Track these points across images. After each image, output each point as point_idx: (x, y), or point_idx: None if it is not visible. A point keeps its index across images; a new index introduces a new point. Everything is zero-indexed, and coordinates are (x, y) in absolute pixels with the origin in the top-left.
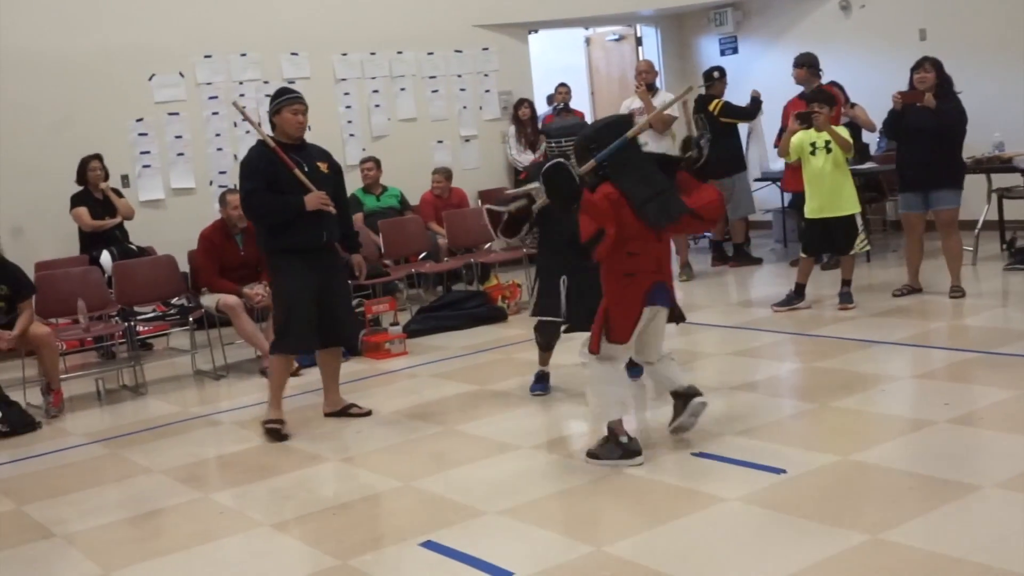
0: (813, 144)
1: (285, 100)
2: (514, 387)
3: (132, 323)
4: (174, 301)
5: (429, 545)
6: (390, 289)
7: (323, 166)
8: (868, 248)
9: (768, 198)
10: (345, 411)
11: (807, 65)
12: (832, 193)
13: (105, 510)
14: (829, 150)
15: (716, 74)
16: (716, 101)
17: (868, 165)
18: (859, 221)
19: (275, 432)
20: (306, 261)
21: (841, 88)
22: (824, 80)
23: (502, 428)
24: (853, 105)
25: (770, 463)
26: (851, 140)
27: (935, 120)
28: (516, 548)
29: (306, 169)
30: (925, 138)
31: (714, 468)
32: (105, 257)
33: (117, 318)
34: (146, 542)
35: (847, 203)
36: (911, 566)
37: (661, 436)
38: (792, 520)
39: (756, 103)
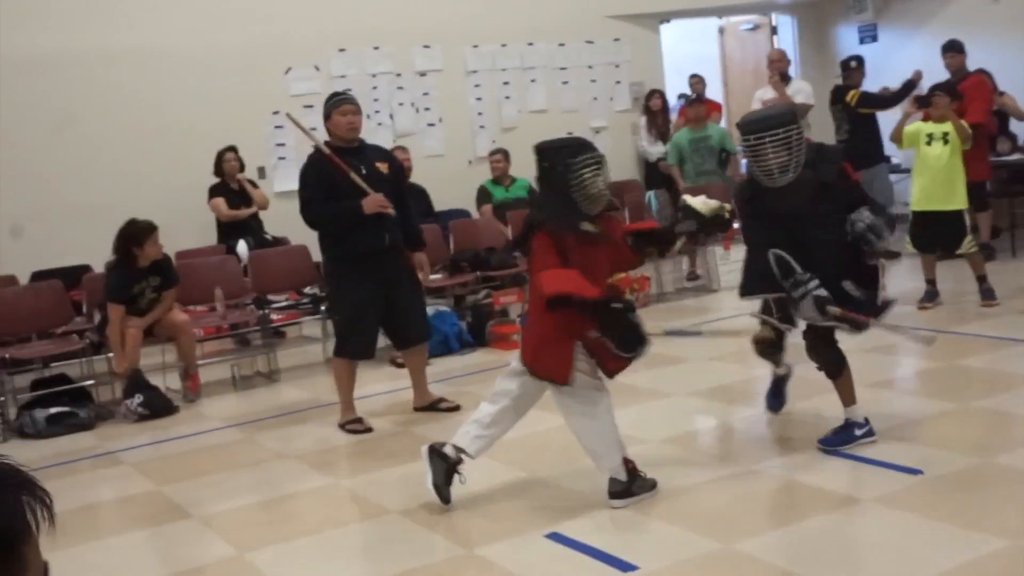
0: (930, 135)
1: (334, 103)
2: (641, 379)
3: (266, 311)
4: (307, 290)
5: (554, 536)
6: (518, 280)
7: (383, 167)
8: (975, 249)
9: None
10: (434, 406)
11: (962, 51)
12: (945, 186)
13: (239, 493)
14: (947, 141)
15: (853, 64)
16: (853, 92)
17: (1016, 156)
18: (967, 219)
19: (356, 429)
20: (368, 266)
21: (989, 76)
22: (971, 68)
23: (628, 421)
24: (1002, 94)
25: (907, 464)
26: (971, 131)
27: None
28: (641, 542)
29: (364, 172)
30: None
31: (848, 467)
32: (242, 246)
33: (252, 306)
34: (278, 525)
35: (958, 198)
36: None
37: (797, 434)
38: (928, 523)
39: (908, 86)
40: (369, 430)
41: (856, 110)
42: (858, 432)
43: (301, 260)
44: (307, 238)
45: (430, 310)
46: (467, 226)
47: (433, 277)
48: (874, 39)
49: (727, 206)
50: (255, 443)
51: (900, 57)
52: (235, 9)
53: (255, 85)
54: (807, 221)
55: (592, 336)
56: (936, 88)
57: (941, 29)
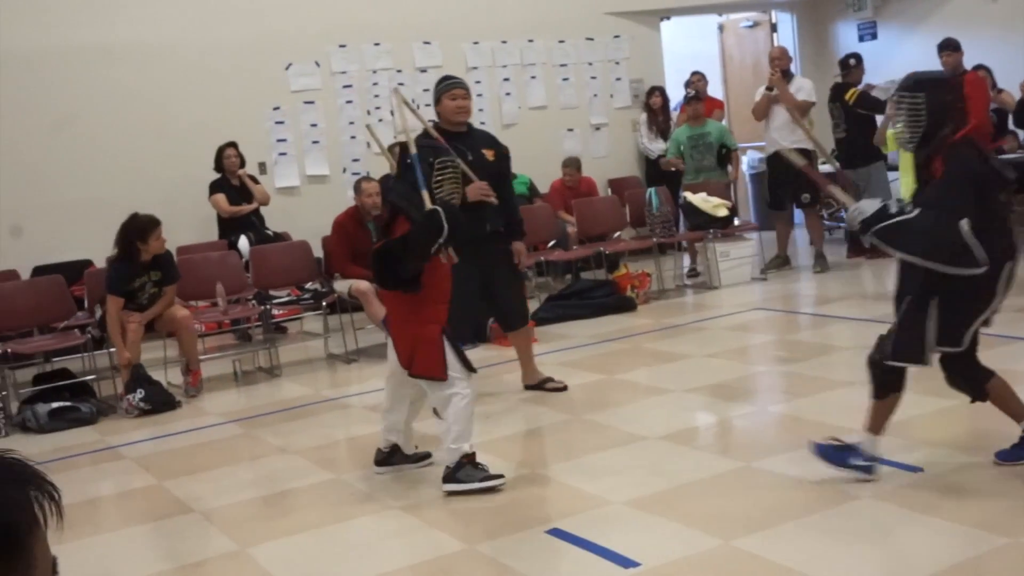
0: None
1: (445, 87)
2: (642, 377)
3: (268, 307)
4: (308, 286)
5: (556, 532)
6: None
7: (489, 153)
8: None
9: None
10: (542, 385)
11: (958, 50)
12: None
13: (240, 488)
14: None
15: (852, 61)
16: (852, 90)
17: (1019, 154)
18: None
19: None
20: (467, 253)
21: (989, 72)
22: (970, 66)
23: (630, 418)
24: (1000, 91)
25: (907, 461)
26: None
27: None
28: (642, 539)
29: (470, 157)
30: None
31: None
32: (243, 242)
33: (253, 301)
34: (279, 520)
35: None
36: None
37: (796, 431)
38: (928, 520)
39: None
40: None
41: (854, 108)
42: None
43: (302, 255)
44: (308, 233)
45: None
46: None
47: None
48: (873, 37)
49: (727, 203)
50: (256, 439)
51: (899, 55)
52: (235, 5)
53: (256, 81)
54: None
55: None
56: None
57: (939, 27)
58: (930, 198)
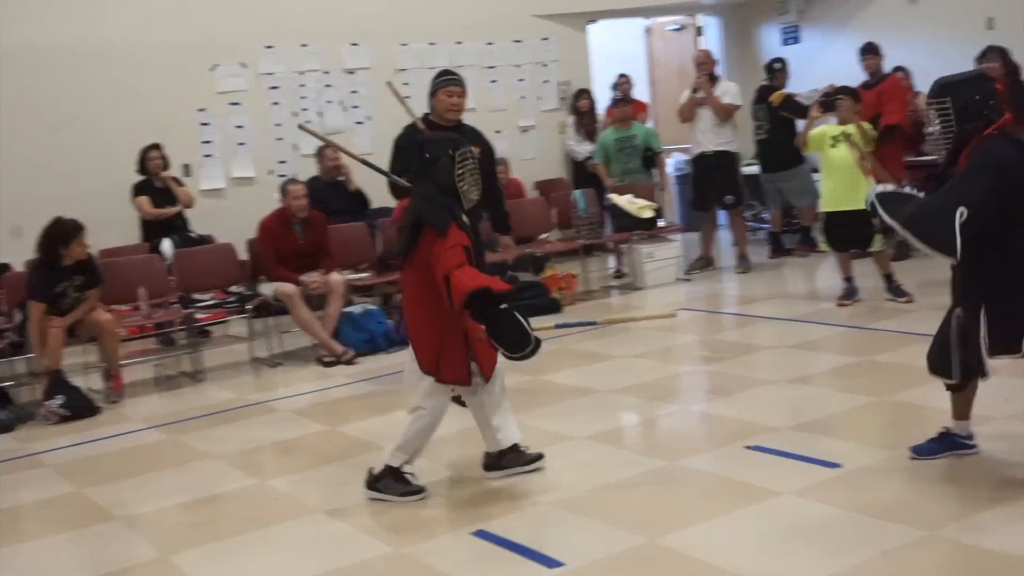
0: (834, 137)
1: (441, 82)
2: (569, 378)
3: (192, 310)
4: (233, 289)
5: (481, 534)
6: None
7: (476, 150)
8: (883, 248)
9: None
10: None
11: (879, 53)
12: (852, 186)
13: (163, 494)
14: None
15: (777, 65)
16: (778, 93)
17: (935, 156)
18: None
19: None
20: None
21: (908, 74)
22: (889, 67)
23: (556, 419)
24: (918, 94)
25: (826, 457)
26: (875, 134)
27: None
28: (568, 539)
29: None
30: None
31: (769, 462)
32: (166, 245)
33: (177, 305)
34: (203, 526)
35: (864, 197)
36: (969, 563)
37: (719, 429)
38: (848, 515)
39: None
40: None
41: (779, 111)
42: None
43: (227, 258)
44: (233, 236)
45: (357, 309)
46: (395, 225)
47: (361, 275)
48: (796, 40)
49: (653, 205)
50: (179, 444)
51: (822, 58)
52: (161, 5)
53: (181, 82)
54: None
55: (480, 336)
56: (840, 91)
57: (861, 31)
58: (951, 184)
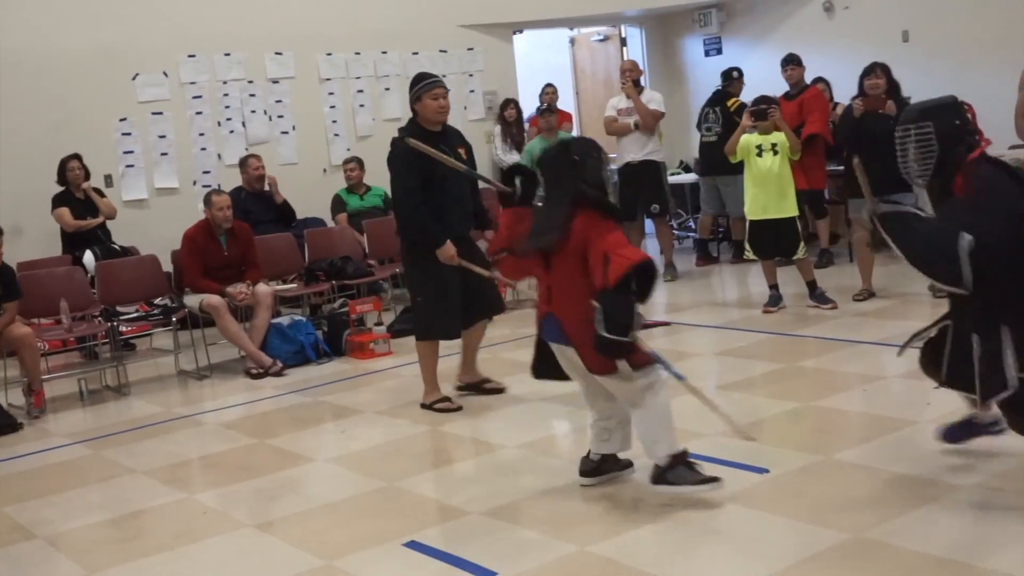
0: (759, 146)
1: (425, 86)
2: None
3: (115, 323)
4: (157, 301)
5: (413, 545)
6: (375, 289)
7: (462, 151)
8: (806, 255)
9: None
10: (480, 386)
11: (800, 64)
12: (777, 195)
13: (87, 511)
14: (776, 152)
15: (735, 74)
16: (735, 99)
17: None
18: (798, 225)
19: (447, 408)
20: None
21: (828, 85)
22: (809, 78)
23: (486, 428)
24: (836, 105)
25: (753, 463)
26: (799, 141)
27: (894, 126)
28: (499, 548)
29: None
30: (883, 144)
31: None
32: (88, 257)
33: (100, 318)
34: (129, 543)
35: (790, 205)
36: (894, 565)
37: None
38: (775, 519)
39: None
40: (458, 408)
41: (734, 115)
42: None
43: (151, 270)
44: (157, 247)
45: (285, 320)
46: (322, 235)
47: (288, 286)
48: (719, 52)
49: None
50: (104, 459)
51: (744, 69)
52: (80, 12)
53: (101, 91)
54: None
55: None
56: (764, 99)
57: (782, 42)
58: (953, 212)
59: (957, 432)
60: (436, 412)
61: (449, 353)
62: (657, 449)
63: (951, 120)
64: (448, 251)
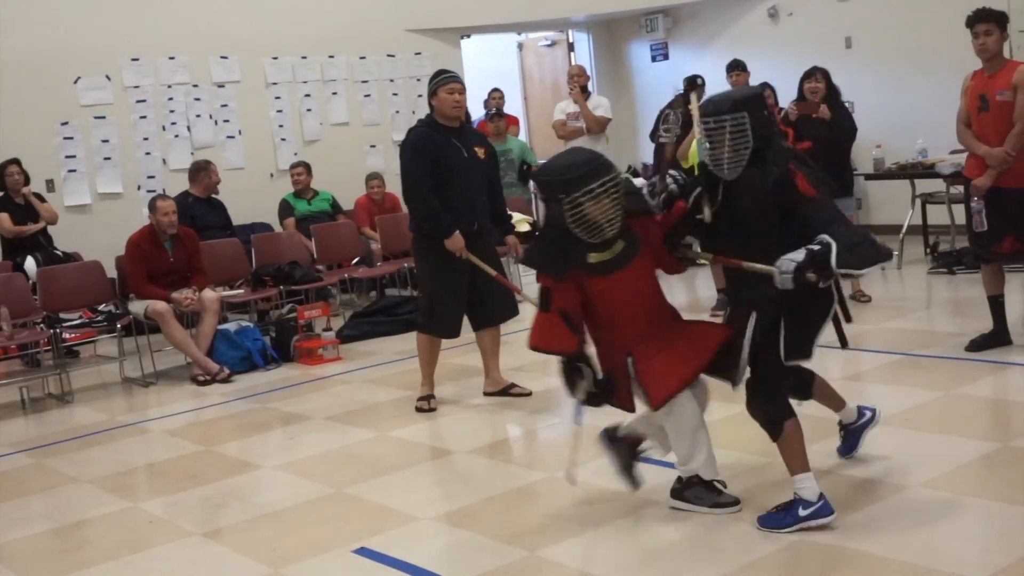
0: None
1: (441, 81)
2: (448, 392)
3: (58, 330)
4: (101, 307)
5: (363, 552)
6: (323, 294)
7: (480, 151)
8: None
9: None
10: (506, 391)
11: (746, 70)
12: None
13: (30, 521)
14: None
15: (699, 80)
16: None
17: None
18: None
19: (422, 408)
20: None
21: (773, 91)
22: (754, 83)
23: (436, 433)
24: (782, 110)
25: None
26: None
27: (829, 131)
28: (450, 554)
29: (465, 154)
30: (818, 148)
31: (650, 472)
32: (29, 263)
33: (42, 325)
34: (73, 553)
35: None
36: (842, 566)
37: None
38: (720, 522)
39: None
40: (432, 409)
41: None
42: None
43: (95, 276)
44: (101, 253)
45: (232, 326)
46: (270, 240)
47: (235, 292)
48: (666, 57)
49: (529, 219)
50: (46, 468)
51: (690, 74)
52: (19, 14)
53: (42, 94)
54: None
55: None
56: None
57: (727, 48)
58: (829, 214)
59: (848, 444)
60: (416, 409)
61: (447, 347)
62: (691, 464)
63: (760, 111)
64: (456, 242)
